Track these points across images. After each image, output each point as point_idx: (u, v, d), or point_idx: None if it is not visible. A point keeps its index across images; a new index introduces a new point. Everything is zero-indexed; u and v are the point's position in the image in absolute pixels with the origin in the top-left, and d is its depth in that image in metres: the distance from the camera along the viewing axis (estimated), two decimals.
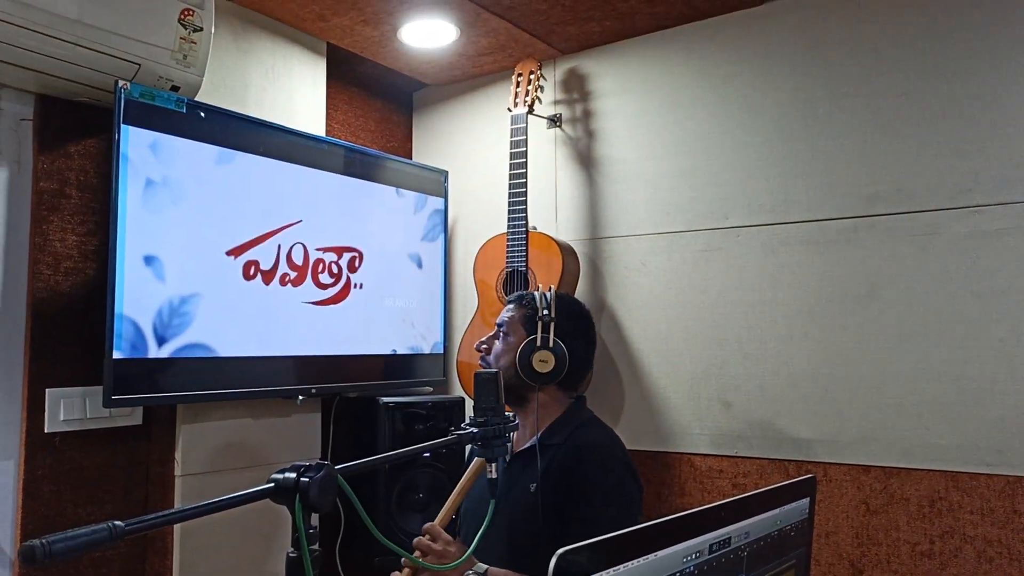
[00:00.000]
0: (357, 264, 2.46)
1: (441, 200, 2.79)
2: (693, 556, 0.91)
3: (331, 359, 2.37)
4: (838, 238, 2.16)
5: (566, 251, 2.50)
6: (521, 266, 2.46)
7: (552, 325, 1.77)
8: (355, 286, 2.45)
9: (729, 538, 0.98)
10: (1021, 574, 1.87)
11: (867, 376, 2.09)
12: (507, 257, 2.49)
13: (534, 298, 1.84)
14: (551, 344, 1.76)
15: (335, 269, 2.39)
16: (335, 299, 2.39)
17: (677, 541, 0.87)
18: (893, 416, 2.05)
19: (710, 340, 2.33)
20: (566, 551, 0.70)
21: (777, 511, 1.12)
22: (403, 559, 1.55)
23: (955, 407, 1.98)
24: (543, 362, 1.76)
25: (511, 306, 1.87)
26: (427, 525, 1.63)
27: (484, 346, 1.85)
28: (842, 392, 2.12)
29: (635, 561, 0.79)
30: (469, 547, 1.55)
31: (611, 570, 0.77)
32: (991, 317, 1.95)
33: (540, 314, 1.79)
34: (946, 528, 1.97)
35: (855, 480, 2.08)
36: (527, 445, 1.75)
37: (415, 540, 1.62)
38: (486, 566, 1.55)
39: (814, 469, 2.12)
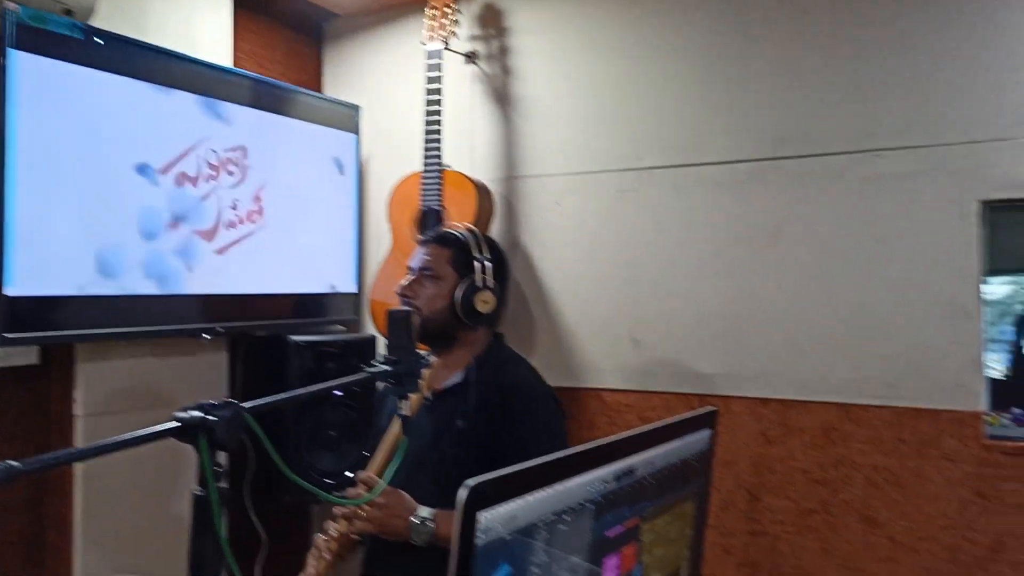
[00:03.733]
0: (265, 201, 2.39)
1: (353, 136, 2.72)
2: (599, 486, 0.93)
3: (238, 298, 2.31)
4: (747, 180, 2.21)
5: (481, 190, 2.48)
6: (436, 205, 2.44)
7: (491, 265, 1.77)
8: (262, 223, 2.38)
9: (634, 468, 1.02)
10: (903, 498, 2.01)
11: (770, 314, 2.17)
12: (422, 196, 2.46)
13: (459, 237, 1.81)
14: (492, 284, 1.76)
15: (242, 206, 2.32)
16: (242, 237, 2.32)
17: (584, 471, 0.89)
18: (793, 352, 2.14)
19: (622, 279, 2.37)
20: (474, 483, 0.71)
21: (680, 442, 1.16)
22: (335, 508, 1.54)
23: (851, 343, 2.08)
24: (485, 303, 1.76)
25: (433, 246, 1.82)
26: (362, 475, 1.60)
27: (408, 291, 1.80)
28: (746, 329, 2.19)
29: (542, 491, 0.81)
30: (404, 494, 1.55)
31: (519, 499, 0.78)
32: (889, 258, 2.05)
33: (477, 255, 1.77)
34: (838, 457, 2.08)
35: (755, 412, 2.17)
36: (452, 383, 1.75)
37: (350, 491, 1.58)
38: (431, 509, 1.54)
39: (717, 402, 2.20)
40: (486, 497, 0.73)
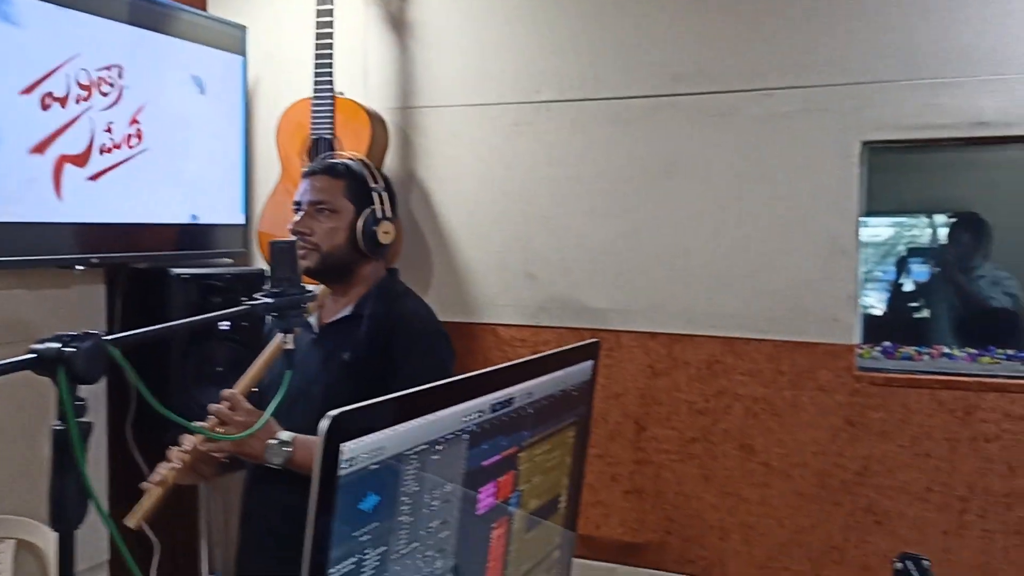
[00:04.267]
0: (143, 124, 2.25)
1: (239, 58, 2.58)
2: (474, 416, 0.93)
3: (115, 227, 2.19)
4: (643, 116, 2.22)
5: (375, 119, 2.41)
6: (327, 134, 2.36)
7: (387, 195, 1.74)
8: (141, 149, 2.25)
9: (512, 398, 1.02)
10: (779, 426, 2.10)
11: (661, 250, 2.21)
12: (312, 124, 2.37)
13: (353, 167, 1.76)
14: (391, 215, 1.73)
15: (118, 130, 2.18)
16: (118, 162, 2.19)
17: (456, 402, 0.88)
18: (681, 287, 2.19)
19: (518, 215, 2.36)
20: (339, 413, 0.69)
21: (561, 373, 1.17)
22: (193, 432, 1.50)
23: (737, 279, 2.14)
24: (387, 233, 1.73)
25: (324, 178, 1.76)
26: (226, 392, 1.57)
27: (303, 227, 1.73)
28: (638, 265, 2.23)
29: (411, 422, 0.80)
30: (281, 425, 1.52)
31: (387, 430, 0.77)
32: (775, 197, 2.10)
33: (374, 185, 1.73)
34: (720, 388, 2.16)
35: (643, 346, 2.22)
36: (341, 315, 1.72)
37: (212, 407, 1.55)
38: (291, 434, 1.52)
39: (608, 337, 2.25)
40: (350, 428, 0.71)
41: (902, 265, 3.56)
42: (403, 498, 0.81)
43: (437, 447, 0.86)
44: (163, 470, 1.53)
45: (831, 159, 2.06)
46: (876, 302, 3.85)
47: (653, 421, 2.22)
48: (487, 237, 2.40)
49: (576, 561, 2.31)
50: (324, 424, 0.68)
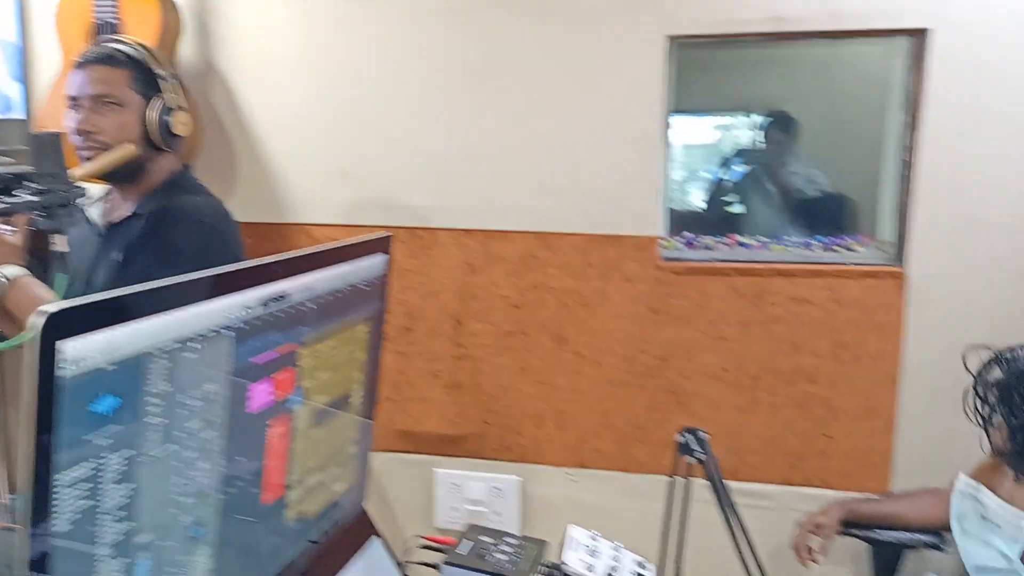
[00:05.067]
0: None
1: None
2: (240, 312, 0.89)
3: None
4: (463, 13, 2.14)
5: (166, 3, 2.21)
6: (111, 18, 2.14)
7: (176, 83, 1.60)
8: None
9: (286, 294, 0.98)
10: (589, 317, 2.18)
11: (480, 148, 2.18)
12: (95, 7, 2.14)
13: (133, 54, 1.61)
14: (184, 103, 1.60)
15: None
16: None
17: (214, 297, 0.84)
18: (497, 184, 2.18)
19: (331, 111, 2.26)
20: (57, 308, 0.63)
21: (348, 267, 1.14)
22: None
23: (550, 176, 2.16)
24: (183, 124, 1.60)
25: (103, 69, 1.60)
26: None
27: (87, 126, 1.56)
28: (453, 163, 2.20)
29: (156, 318, 0.75)
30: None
31: (124, 327, 0.72)
32: (586, 95, 2.10)
33: (160, 72, 1.59)
34: (534, 282, 2.20)
35: (459, 243, 2.22)
36: (125, 214, 1.61)
37: None
38: (24, 271, 1.33)
39: (425, 234, 2.23)
40: (74, 324, 0.66)
41: (725, 164, 3.73)
42: (151, 399, 0.77)
43: (193, 344, 0.82)
44: None
45: (639, 55, 2.08)
46: (699, 199, 4.05)
47: (471, 317, 2.25)
48: (297, 134, 2.29)
49: (401, 457, 2.36)
50: (36, 320, 0.62)
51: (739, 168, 3.65)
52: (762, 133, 3.61)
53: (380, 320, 1.28)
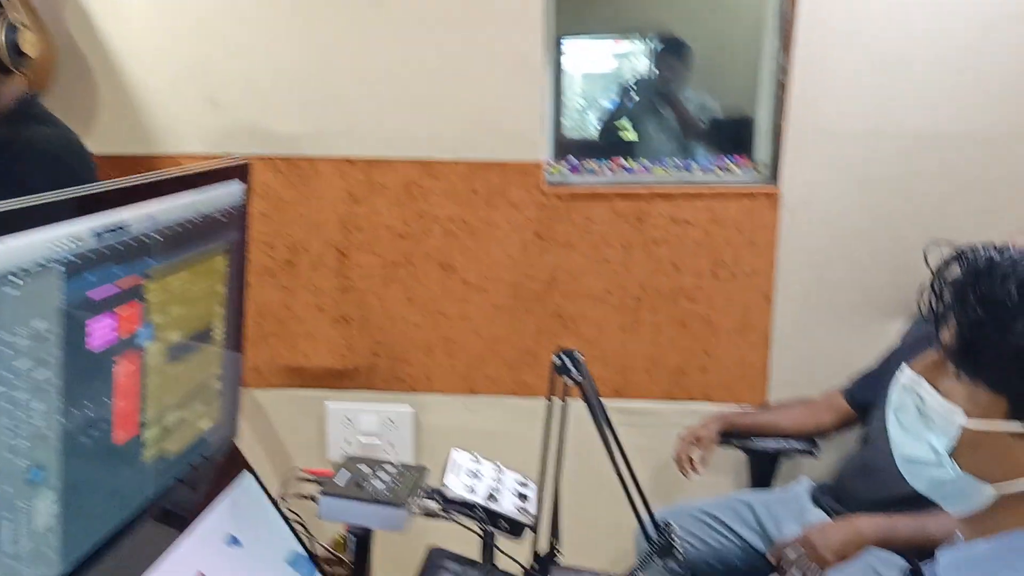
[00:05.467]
0: None
1: None
2: (69, 244, 0.83)
3: None
4: None
5: None
6: None
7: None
8: None
9: (125, 224, 0.93)
10: (475, 244, 2.17)
11: (355, 71, 2.10)
12: None
13: None
14: (28, 22, 1.47)
15: None
16: None
17: (33, 227, 0.78)
18: (375, 110, 2.12)
19: (194, 34, 2.12)
20: None
21: (197, 196, 1.08)
22: None
23: (431, 101, 2.10)
24: (32, 44, 1.47)
25: None
26: None
27: None
28: (329, 88, 2.11)
29: None
30: None
31: None
32: (465, 14, 2.04)
33: None
34: (419, 211, 2.17)
35: (340, 172, 2.15)
36: None
37: None
38: None
39: (303, 164, 2.15)
40: None
41: (625, 92, 3.72)
42: None
43: (13, 279, 0.76)
44: None
45: None
46: (594, 126, 4.05)
47: (355, 248, 2.20)
48: (160, 60, 2.15)
49: (290, 392, 2.32)
50: None
51: (636, 96, 3.66)
52: (655, 59, 3.62)
53: (241, 251, 1.23)
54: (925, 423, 0.78)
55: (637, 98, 3.64)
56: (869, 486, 1.73)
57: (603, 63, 4.13)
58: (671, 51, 3.52)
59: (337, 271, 2.22)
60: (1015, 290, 0.70)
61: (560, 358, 1.36)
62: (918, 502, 1.51)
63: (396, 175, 2.15)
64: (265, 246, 2.20)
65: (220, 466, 1.21)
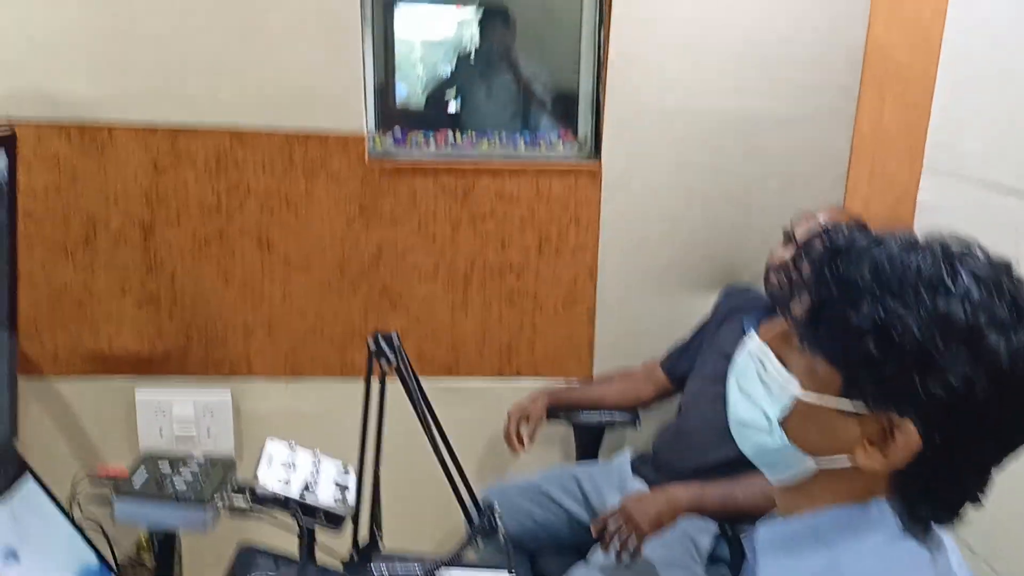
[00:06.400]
0: None
1: None
2: None
3: None
4: None
5: None
6: None
7: None
8: None
9: None
10: (296, 220, 2.06)
11: (149, 30, 1.92)
12: None
13: None
14: None
15: None
16: None
17: None
18: (178, 74, 1.95)
19: None
20: None
21: None
22: None
23: (240, 66, 1.96)
24: None
25: None
26: None
27: None
28: (124, 48, 1.93)
29: None
30: None
31: None
32: None
33: None
34: (232, 183, 2.03)
35: (142, 141, 1.98)
36: None
37: None
38: None
39: (97, 132, 1.96)
40: None
41: (455, 61, 3.64)
42: None
43: None
44: None
45: None
46: (420, 95, 3.96)
47: (161, 223, 2.04)
48: None
49: (94, 381, 2.13)
50: None
51: (467, 66, 3.59)
52: (479, 28, 3.55)
53: (12, 227, 1.09)
54: (763, 389, 0.78)
55: (465, 66, 3.57)
56: (683, 454, 1.81)
57: (444, 30, 4.04)
58: (494, 19, 3.48)
59: (141, 248, 2.05)
60: (868, 272, 0.71)
61: (376, 342, 1.31)
62: (728, 469, 1.61)
63: (205, 145, 2.00)
64: (59, 222, 2.00)
65: None
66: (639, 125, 2.09)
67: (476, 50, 3.59)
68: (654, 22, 2.01)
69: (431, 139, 2.19)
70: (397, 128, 2.18)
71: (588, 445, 2.09)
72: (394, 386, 1.28)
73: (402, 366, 1.28)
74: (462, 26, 3.99)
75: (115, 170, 1.99)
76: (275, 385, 2.17)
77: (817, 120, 2.10)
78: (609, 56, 2.05)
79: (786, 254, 1.77)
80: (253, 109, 1.99)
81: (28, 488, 1.11)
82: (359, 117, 2.04)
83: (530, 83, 3.42)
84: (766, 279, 1.82)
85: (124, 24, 1.92)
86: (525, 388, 2.13)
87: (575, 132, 2.28)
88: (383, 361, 1.28)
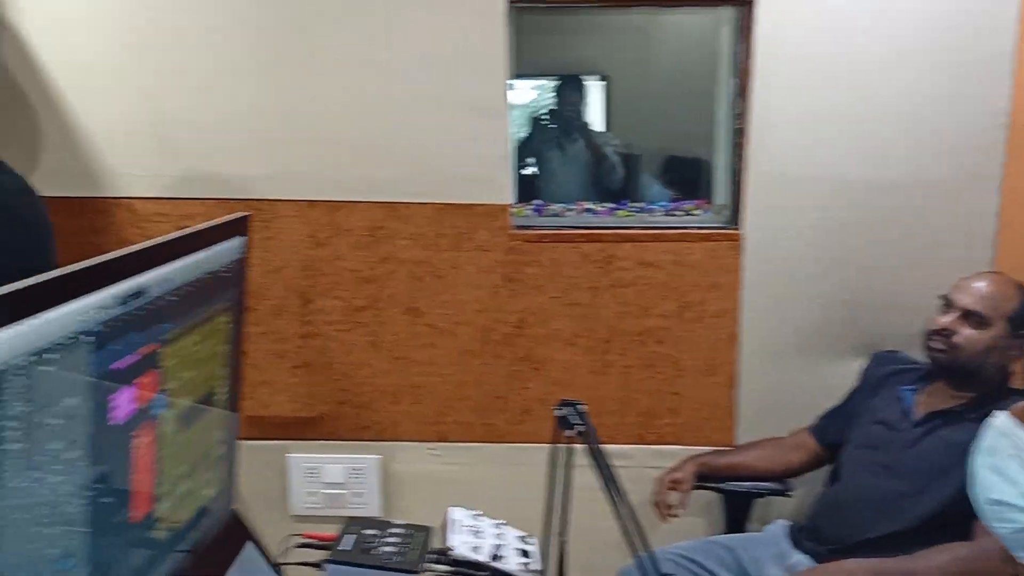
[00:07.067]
0: None
1: None
2: (96, 314, 0.77)
3: None
4: None
5: None
6: None
7: None
8: None
9: (145, 289, 0.87)
10: (443, 288, 2.13)
11: (308, 112, 2.05)
12: None
13: None
14: None
15: None
16: None
17: (67, 300, 0.72)
18: (338, 154, 2.07)
19: (143, 71, 2.04)
20: None
21: (206, 253, 1.03)
22: None
23: (398, 144, 2.05)
24: None
25: None
26: None
27: None
28: (286, 128, 2.05)
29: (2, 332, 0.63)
30: None
31: None
32: (425, 60, 2.01)
33: None
34: (384, 254, 2.12)
35: (302, 215, 2.09)
36: None
37: None
38: None
39: (262, 207, 2.08)
40: None
41: (532, 126, 3.70)
42: (10, 423, 0.65)
43: (49, 355, 0.70)
44: None
45: (478, 20, 2.02)
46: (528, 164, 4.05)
47: (318, 293, 2.14)
48: (108, 98, 2.05)
49: (248, 444, 2.21)
50: None
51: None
52: (557, 96, 3.59)
53: (241, 307, 1.17)
54: (1019, 466, 0.78)
55: (546, 133, 3.60)
56: (844, 527, 1.76)
57: (524, 95, 4.12)
58: (570, 88, 3.55)
59: (299, 316, 2.15)
60: None
61: (563, 409, 1.35)
62: (892, 542, 1.57)
63: (360, 218, 2.11)
64: None
65: (225, 535, 1.14)
66: (780, 191, 2.09)
67: (557, 113, 3.60)
68: (797, 90, 2.04)
69: (569, 208, 2.24)
70: (537, 199, 2.25)
71: (736, 514, 2.06)
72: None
73: (589, 435, 1.31)
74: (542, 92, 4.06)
75: (277, 243, 2.10)
76: (421, 448, 2.22)
77: (963, 183, 2.08)
78: (748, 126, 2.08)
79: (946, 320, 1.74)
80: (405, 184, 2.08)
81: (250, 551, 1.17)
82: (503, 189, 2.11)
83: (611, 146, 3.47)
84: (927, 345, 1.79)
85: (288, 108, 2.05)
86: (666, 455, 2.13)
87: (706, 197, 2.31)
88: (569, 431, 1.31)
